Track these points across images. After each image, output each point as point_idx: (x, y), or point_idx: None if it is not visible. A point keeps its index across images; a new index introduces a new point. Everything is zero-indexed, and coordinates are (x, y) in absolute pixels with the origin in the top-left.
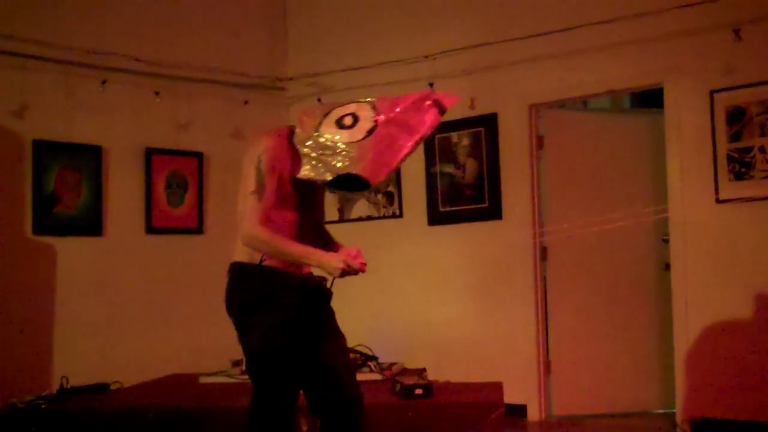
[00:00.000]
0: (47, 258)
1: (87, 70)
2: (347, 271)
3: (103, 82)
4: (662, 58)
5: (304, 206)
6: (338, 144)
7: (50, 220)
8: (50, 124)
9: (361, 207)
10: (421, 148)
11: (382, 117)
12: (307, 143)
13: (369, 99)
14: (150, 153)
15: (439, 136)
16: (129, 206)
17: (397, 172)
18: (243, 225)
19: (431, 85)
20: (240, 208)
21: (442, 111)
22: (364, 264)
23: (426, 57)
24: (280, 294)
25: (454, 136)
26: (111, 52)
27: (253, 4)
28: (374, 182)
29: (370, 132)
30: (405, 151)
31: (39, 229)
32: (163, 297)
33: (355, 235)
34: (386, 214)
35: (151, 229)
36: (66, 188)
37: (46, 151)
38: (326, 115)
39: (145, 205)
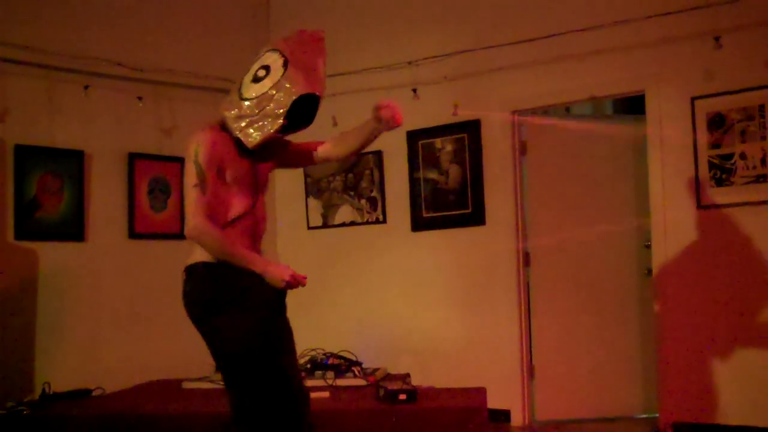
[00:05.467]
0: (29, 263)
1: (69, 75)
2: (291, 284)
3: (86, 87)
4: (644, 65)
5: (254, 191)
6: (268, 92)
7: (32, 226)
8: (32, 129)
9: (344, 213)
10: (404, 155)
11: (287, 50)
12: (241, 114)
13: (264, 49)
14: (133, 158)
15: (422, 142)
16: (111, 211)
17: (381, 178)
18: (188, 219)
19: (414, 91)
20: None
21: (320, 39)
22: (304, 278)
23: (409, 63)
24: (254, 291)
25: (438, 142)
26: (93, 57)
27: (236, 10)
28: (320, 92)
29: (286, 65)
30: (321, 66)
31: (21, 234)
32: (146, 302)
33: (338, 240)
34: (370, 220)
35: (133, 235)
36: (48, 193)
37: (28, 156)
38: (240, 85)
39: (127, 211)
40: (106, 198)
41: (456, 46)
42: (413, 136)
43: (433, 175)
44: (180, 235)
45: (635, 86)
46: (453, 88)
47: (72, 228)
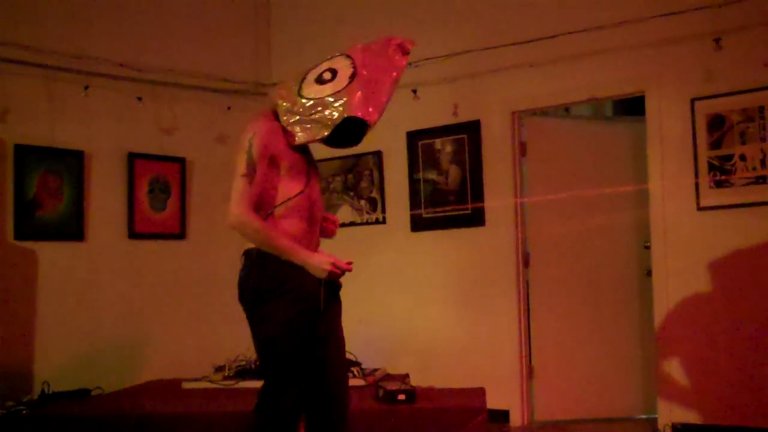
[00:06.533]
0: (29, 263)
1: (70, 75)
2: (334, 273)
3: (86, 87)
4: (644, 66)
5: (307, 174)
6: (326, 98)
7: (32, 225)
8: (32, 129)
9: (344, 213)
10: (404, 155)
11: (358, 62)
12: (294, 109)
13: (338, 52)
14: (132, 158)
15: (422, 142)
16: (111, 211)
17: (381, 179)
18: (231, 208)
19: (414, 92)
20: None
21: (405, 53)
22: (350, 263)
23: (409, 64)
24: (297, 283)
25: (438, 142)
26: (94, 57)
27: (237, 10)
28: (371, 121)
29: (352, 77)
30: (388, 88)
31: (20, 234)
32: (146, 302)
33: (338, 241)
34: (369, 221)
35: (133, 235)
36: (48, 193)
37: (28, 156)
38: (303, 79)
39: (127, 211)
40: (105, 198)
41: (456, 46)
42: (413, 137)
43: (432, 175)
44: (179, 235)
45: (635, 87)
46: (453, 89)
47: (71, 228)
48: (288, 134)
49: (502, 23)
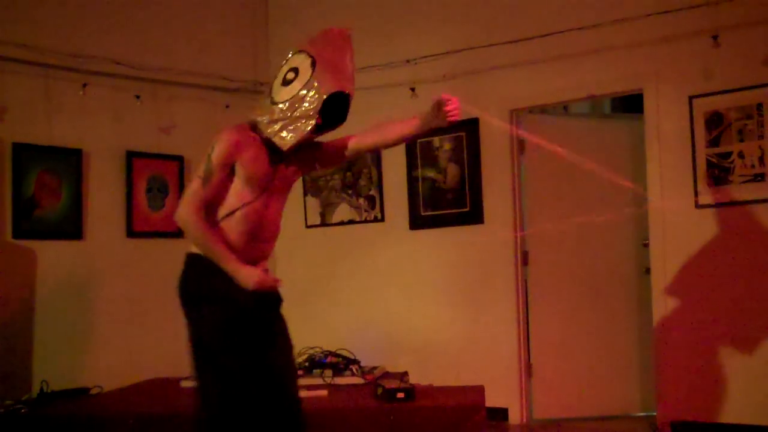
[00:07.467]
0: (27, 262)
1: (68, 73)
2: (261, 286)
3: (84, 85)
4: (642, 63)
5: (264, 192)
6: (299, 93)
7: (30, 224)
8: (30, 127)
9: (342, 211)
10: (402, 153)
11: (313, 51)
12: (274, 118)
13: (290, 53)
14: (131, 156)
15: (420, 140)
16: (109, 210)
17: (379, 176)
18: (180, 205)
19: (412, 89)
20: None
21: (345, 37)
22: (277, 280)
23: (407, 62)
24: (228, 290)
25: (436, 140)
26: (92, 56)
27: (235, 9)
28: (349, 90)
29: (314, 65)
30: (348, 60)
31: (19, 233)
32: (144, 301)
33: (336, 239)
34: (368, 219)
35: (131, 233)
36: (46, 192)
37: (26, 154)
38: (271, 90)
39: (125, 209)
40: (104, 196)
41: (454, 44)
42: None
43: (431, 173)
44: (178, 234)
45: (633, 85)
46: (451, 87)
47: (70, 226)
48: (270, 144)
49: (500, 21)
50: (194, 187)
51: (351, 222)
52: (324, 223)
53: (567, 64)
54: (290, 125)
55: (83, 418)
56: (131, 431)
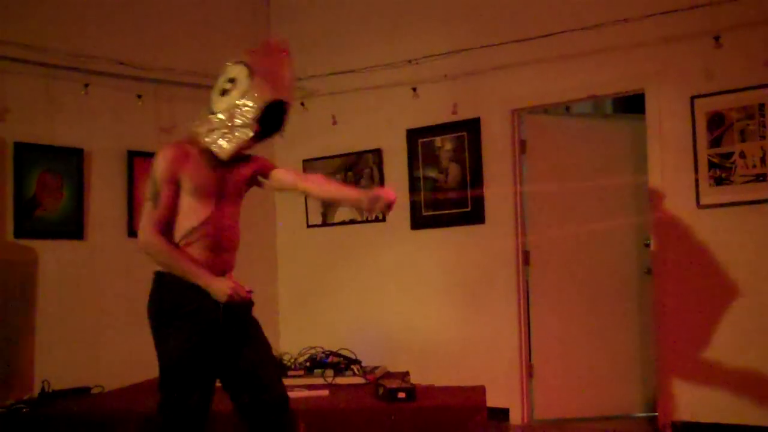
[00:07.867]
0: (28, 262)
1: (69, 73)
2: (233, 298)
3: (86, 85)
4: (644, 64)
5: (217, 201)
6: (235, 102)
7: (32, 224)
8: (32, 127)
9: (344, 211)
10: (404, 153)
11: (250, 61)
12: (212, 128)
13: (228, 63)
14: (132, 156)
15: (422, 140)
16: (111, 210)
17: (380, 176)
18: (138, 232)
19: (414, 89)
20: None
21: (282, 49)
22: (250, 291)
23: (409, 62)
24: (197, 306)
25: (437, 140)
26: (93, 56)
27: (236, 8)
28: (287, 98)
29: (251, 74)
30: (286, 69)
31: (20, 232)
32: (146, 300)
33: (338, 239)
34: (369, 218)
35: (132, 233)
36: (47, 191)
37: (27, 154)
38: (209, 102)
39: (127, 209)
40: (105, 196)
41: (456, 44)
42: (413, 135)
43: (432, 173)
44: None
45: (635, 85)
46: (453, 87)
47: (71, 226)
48: (209, 154)
49: (501, 21)
50: (147, 210)
51: (352, 222)
52: (325, 223)
53: (569, 64)
54: (228, 134)
55: (84, 418)
56: (132, 431)
